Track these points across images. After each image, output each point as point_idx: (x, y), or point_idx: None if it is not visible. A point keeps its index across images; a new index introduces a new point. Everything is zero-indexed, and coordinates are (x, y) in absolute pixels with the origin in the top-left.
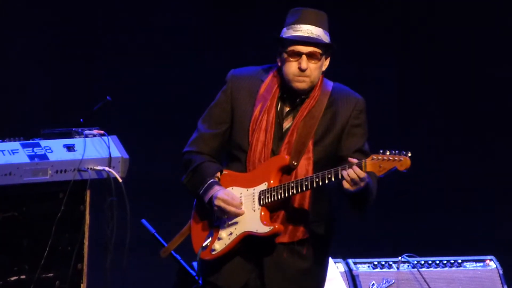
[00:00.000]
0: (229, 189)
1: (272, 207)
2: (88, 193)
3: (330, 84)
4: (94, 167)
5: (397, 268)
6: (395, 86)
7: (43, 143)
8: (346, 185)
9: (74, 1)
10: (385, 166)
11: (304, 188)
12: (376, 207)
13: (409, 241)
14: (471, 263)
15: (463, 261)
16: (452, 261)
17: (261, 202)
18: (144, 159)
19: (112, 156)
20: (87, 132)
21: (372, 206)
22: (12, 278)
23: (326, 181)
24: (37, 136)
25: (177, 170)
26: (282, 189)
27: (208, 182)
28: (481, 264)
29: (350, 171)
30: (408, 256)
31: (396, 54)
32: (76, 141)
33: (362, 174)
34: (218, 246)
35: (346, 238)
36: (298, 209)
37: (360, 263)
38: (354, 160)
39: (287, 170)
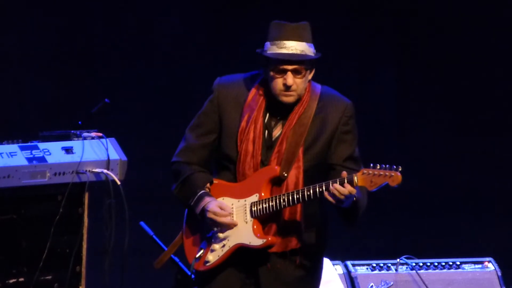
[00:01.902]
0: (220, 199)
1: (264, 219)
2: (86, 195)
3: (318, 87)
4: (93, 170)
5: (396, 270)
6: (394, 88)
7: (42, 145)
8: (337, 200)
9: (73, 4)
10: (376, 181)
11: (295, 202)
12: (374, 209)
13: (408, 243)
14: (469, 265)
15: (461, 263)
16: (451, 263)
17: (253, 214)
18: (143, 161)
19: (110, 158)
20: (85, 134)
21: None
22: (11, 281)
23: (318, 195)
24: (36, 138)
25: None
26: (274, 201)
27: (199, 194)
28: (480, 266)
29: (340, 188)
30: (407, 258)
31: (396, 55)
32: (75, 144)
33: (354, 191)
34: (212, 257)
35: (345, 240)
36: (290, 219)
37: (359, 265)
38: (345, 174)
39: (278, 181)
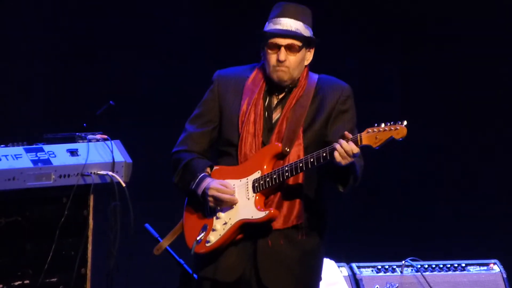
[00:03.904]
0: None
1: (266, 194)
2: (91, 197)
3: (315, 75)
4: (98, 172)
5: (401, 272)
6: (397, 87)
7: (47, 148)
8: (338, 157)
9: (77, 5)
10: (381, 137)
11: (298, 170)
12: (379, 210)
13: (413, 244)
14: (474, 267)
15: (466, 264)
16: (456, 265)
17: (255, 189)
18: (148, 164)
19: (115, 160)
20: (90, 136)
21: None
22: (16, 283)
23: (321, 160)
24: (41, 141)
25: None
26: (276, 174)
27: (199, 177)
28: (485, 267)
29: (344, 143)
30: (412, 260)
31: (399, 54)
32: (80, 146)
33: (356, 149)
34: (213, 237)
35: (350, 242)
36: (292, 195)
37: (364, 267)
38: (349, 135)
39: (280, 157)
